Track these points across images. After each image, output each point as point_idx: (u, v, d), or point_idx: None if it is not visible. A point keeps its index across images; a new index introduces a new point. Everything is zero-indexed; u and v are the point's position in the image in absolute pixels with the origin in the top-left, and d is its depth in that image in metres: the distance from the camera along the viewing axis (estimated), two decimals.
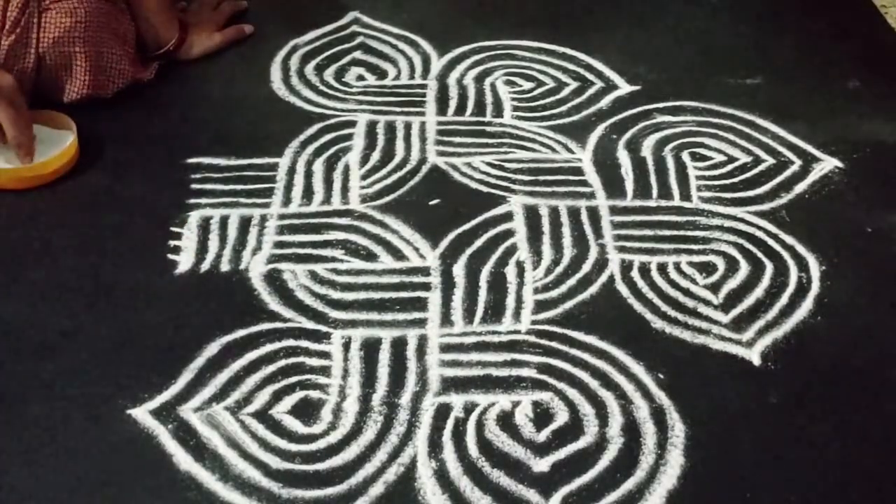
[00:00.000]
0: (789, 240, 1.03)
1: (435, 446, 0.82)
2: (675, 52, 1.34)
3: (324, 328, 0.92)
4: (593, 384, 0.87)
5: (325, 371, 0.88)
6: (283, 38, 1.33)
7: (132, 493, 0.78)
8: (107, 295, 0.94)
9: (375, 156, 1.14)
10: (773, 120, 1.21)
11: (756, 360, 0.90)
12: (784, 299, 0.96)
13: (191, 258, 0.99)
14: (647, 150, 1.15)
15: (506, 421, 0.84)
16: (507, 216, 1.05)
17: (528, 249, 1.01)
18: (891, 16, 1.42)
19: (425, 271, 0.99)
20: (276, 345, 0.90)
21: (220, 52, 1.29)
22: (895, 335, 0.94)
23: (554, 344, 0.91)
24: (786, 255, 1.02)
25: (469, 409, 0.85)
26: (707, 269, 1.00)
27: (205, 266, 0.98)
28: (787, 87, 1.27)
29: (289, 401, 0.85)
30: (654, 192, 1.09)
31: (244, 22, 1.34)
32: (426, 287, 0.97)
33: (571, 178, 1.11)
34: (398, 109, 1.21)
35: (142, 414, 0.83)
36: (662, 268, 1.00)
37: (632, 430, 0.84)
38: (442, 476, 0.80)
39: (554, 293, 0.96)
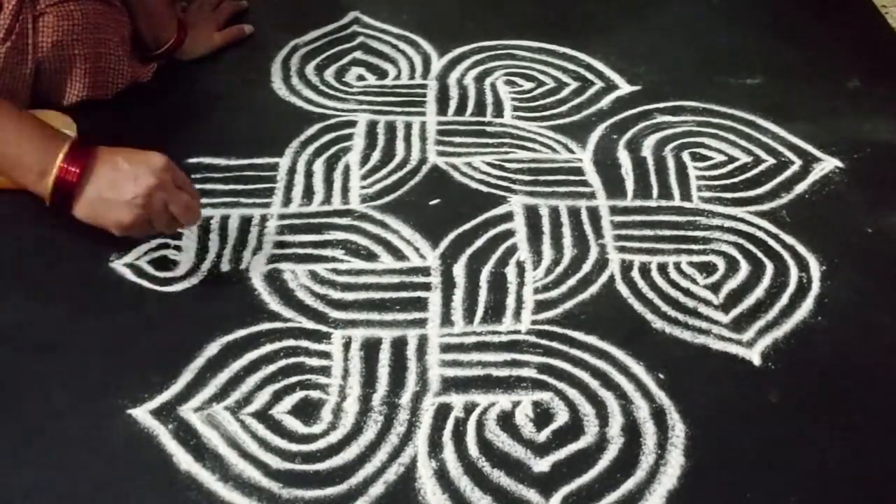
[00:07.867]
0: (789, 240, 1.03)
1: (435, 446, 0.82)
2: (675, 52, 1.34)
3: (324, 328, 0.92)
4: (593, 384, 0.87)
5: (325, 371, 0.88)
6: (284, 38, 1.33)
7: (132, 493, 0.78)
8: (107, 294, 0.94)
9: (376, 156, 1.13)
10: (773, 120, 1.20)
11: (756, 360, 0.90)
12: (784, 299, 0.96)
13: (191, 258, 0.99)
14: (647, 150, 1.15)
15: (506, 421, 0.84)
16: (508, 216, 1.05)
17: (528, 249, 1.01)
18: (891, 16, 1.42)
19: (425, 271, 0.99)
20: (277, 345, 0.90)
21: (220, 52, 1.29)
22: (895, 335, 0.94)
23: (554, 344, 0.91)
24: (786, 255, 1.02)
25: (469, 409, 0.85)
26: (707, 269, 1.00)
27: (205, 266, 0.98)
28: (787, 87, 1.27)
29: (289, 401, 0.85)
30: (655, 192, 1.09)
31: (244, 22, 1.34)
32: (426, 287, 0.97)
33: (571, 178, 1.11)
34: (398, 109, 1.21)
35: (142, 414, 0.83)
36: (663, 268, 1.00)
37: (632, 430, 0.84)
38: (442, 476, 0.79)
39: (554, 293, 0.96)
